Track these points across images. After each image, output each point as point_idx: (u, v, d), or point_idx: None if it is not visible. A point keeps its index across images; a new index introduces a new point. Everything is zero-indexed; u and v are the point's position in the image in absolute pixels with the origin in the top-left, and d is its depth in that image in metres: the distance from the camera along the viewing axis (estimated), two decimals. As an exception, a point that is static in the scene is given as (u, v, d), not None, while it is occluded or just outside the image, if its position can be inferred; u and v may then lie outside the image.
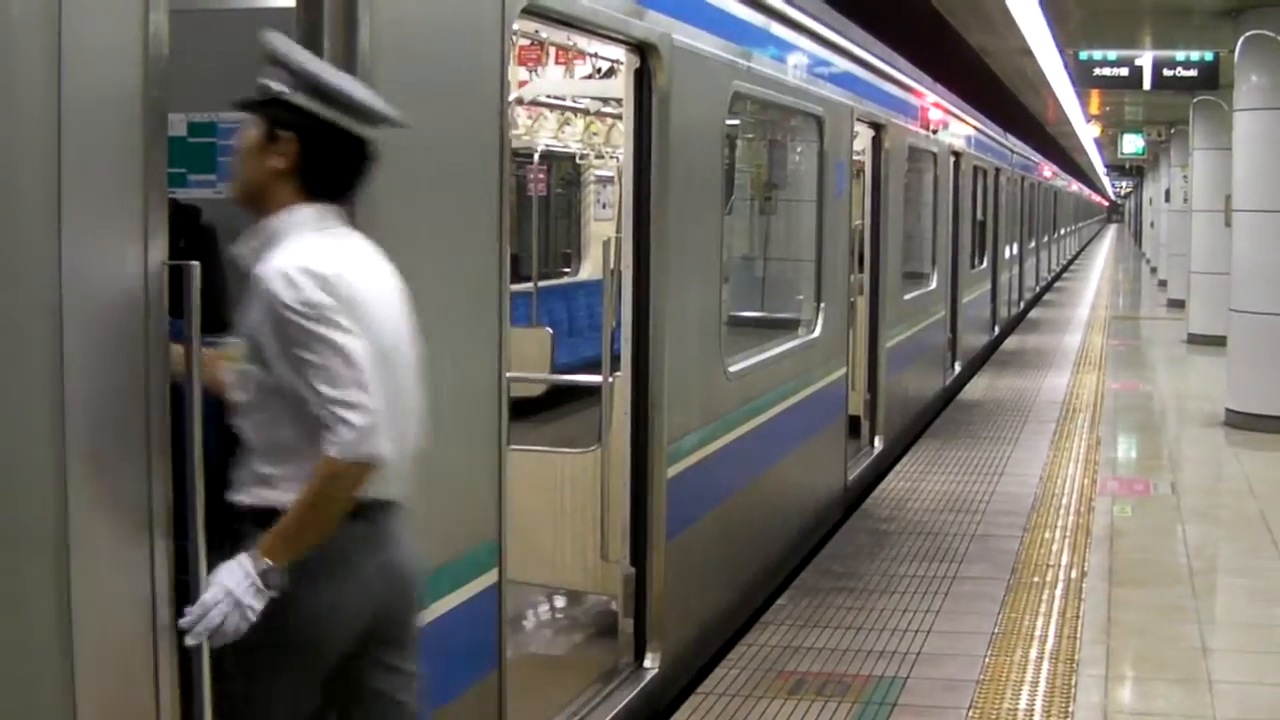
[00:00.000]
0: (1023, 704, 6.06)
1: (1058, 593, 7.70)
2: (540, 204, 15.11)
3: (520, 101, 10.63)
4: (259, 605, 3.10)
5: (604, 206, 15.92)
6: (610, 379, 6.25)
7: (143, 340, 2.87)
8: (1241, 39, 13.67)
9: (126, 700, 2.91)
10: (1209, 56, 18.70)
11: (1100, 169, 64.74)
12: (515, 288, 12.70)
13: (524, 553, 6.48)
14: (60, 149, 2.65)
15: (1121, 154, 38.18)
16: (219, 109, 4.15)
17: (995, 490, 10.35)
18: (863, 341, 11.04)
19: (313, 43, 3.55)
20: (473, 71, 4.38)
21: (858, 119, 10.04)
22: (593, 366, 6.87)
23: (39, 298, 2.64)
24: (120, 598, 2.87)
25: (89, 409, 2.74)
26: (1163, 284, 32.88)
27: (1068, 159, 52.66)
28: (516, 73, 9.71)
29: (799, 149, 10.21)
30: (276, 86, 3.25)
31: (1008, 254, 22.87)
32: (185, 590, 3.01)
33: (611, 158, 13.88)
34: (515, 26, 4.89)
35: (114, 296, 2.82)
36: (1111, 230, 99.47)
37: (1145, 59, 19.16)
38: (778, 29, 7.91)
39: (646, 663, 6.09)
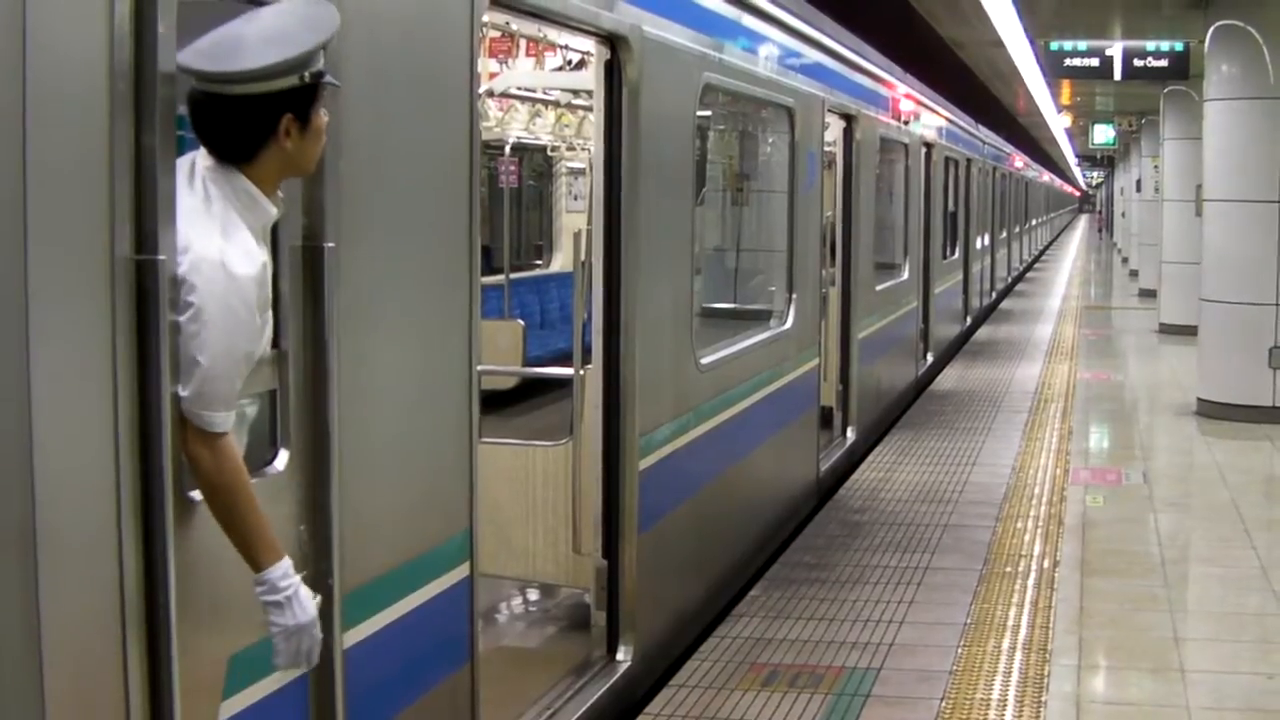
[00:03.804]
0: (995, 694, 6.07)
1: (1030, 583, 7.71)
2: (512, 196, 15.08)
3: (491, 94, 10.60)
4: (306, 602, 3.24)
5: (576, 198, 15.90)
6: (582, 371, 6.24)
7: (109, 334, 2.85)
8: (1211, 29, 13.70)
9: (95, 697, 2.89)
10: (1179, 47, 18.76)
11: (1071, 159, 64.95)
12: (486, 280, 12.69)
13: (496, 546, 6.48)
14: (25, 142, 2.63)
15: (1092, 144, 38.32)
16: (185, 101, 4.12)
17: (967, 480, 10.37)
18: (835, 332, 11.05)
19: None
20: (443, 63, 4.36)
21: (829, 110, 10.04)
22: (564, 359, 6.86)
23: (4, 293, 2.61)
24: (89, 594, 2.85)
25: (55, 404, 2.72)
26: (1134, 274, 33.00)
27: (1039, 149, 52.81)
28: (487, 65, 9.67)
29: (770, 140, 10.20)
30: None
31: (979, 244, 22.92)
32: (154, 586, 2.99)
33: (583, 150, 13.86)
34: (485, 18, 4.87)
35: (80, 291, 2.79)
36: (1083, 220, 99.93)
37: (1116, 49, 19.22)
38: (748, 20, 7.91)
39: (619, 655, 6.08)
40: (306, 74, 3.21)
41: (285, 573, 3.19)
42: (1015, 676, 6.28)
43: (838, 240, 11.10)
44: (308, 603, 3.24)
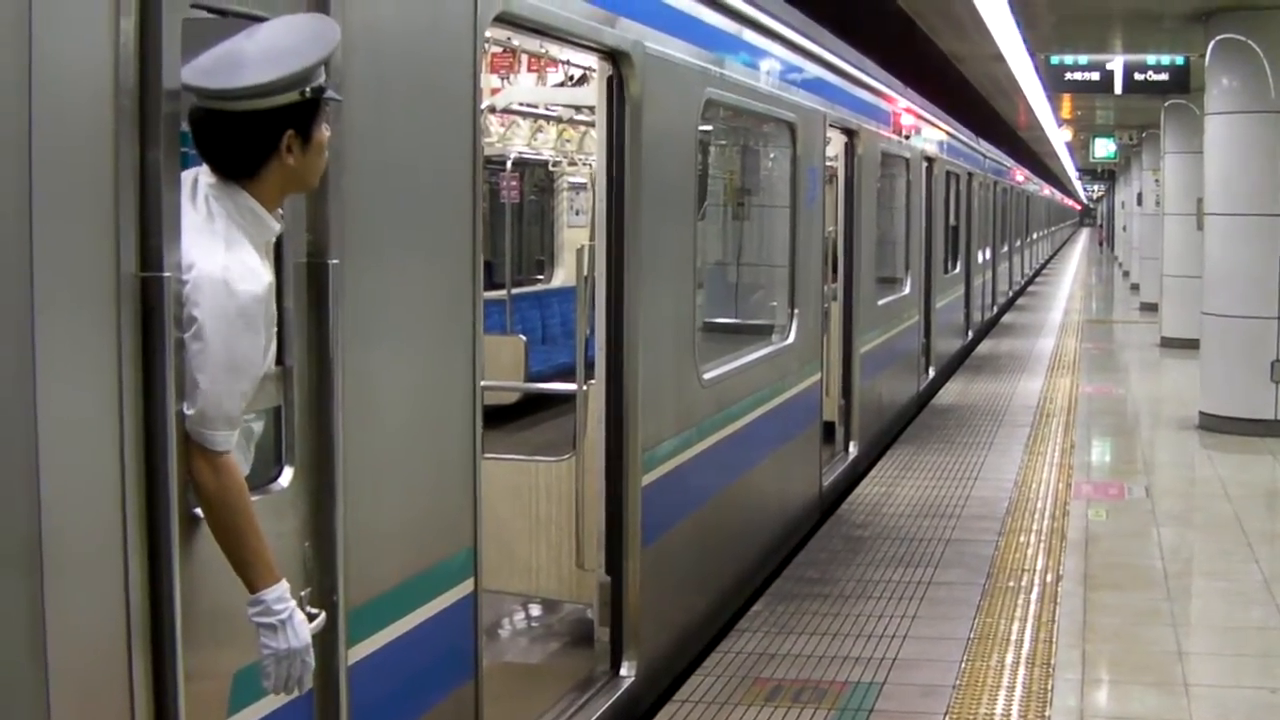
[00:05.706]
0: (999, 709, 6.06)
1: (1033, 597, 7.71)
2: (514, 211, 15.09)
3: (493, 109, 10.61)
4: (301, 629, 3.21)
5: (577, 213, 15.92)
6: (584, 386, 6.24)
7: (115, 351, 2.86)
8: (1212, 43, 13.72)
9: (100, 713, 2.89)
10: (1180, 60, 18.77)
11: (1072, 173, 64.98)
12: (489, 295, 12.69)
13: (499, 561, 6.48)
14: (30, 158, 2.63)
15: (1093, 158, 38.30)
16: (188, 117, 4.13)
17: (970, 495, 10.36)
18: (837, 347, 11.05)
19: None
20: (445, 79, 4.37)
21: (830, 125, 10.05)
22: (567, 374, 6.86)
23: (10, 310, 2.62)
24: (94, 610, 2.85)
25: (61, 420, 2.72)
26: (1135, 288, 33.00)
27: (1040, 163, 52.84)
28: (489, 80, 9.69)
29: (772, 155, 10.21)
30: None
31: (981, 258, 22.92)
32: (159, 598, 2.99)
33: (585, 165, 13.87)
34: (487, 34, 4.88)
35: (86, 308, 2.80)
36: (1084, 234, 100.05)
37: (1116, 63, 19.23)
38: (750, 36, 7.91)
39: (623, 671, 6.07)
40: (308, 89, 3.21)
41: (281, 595, 3.17)
42: (1019, 691, 6.28)
43: (839, 255, 11.11)
44: (302, 628, 3.22)
